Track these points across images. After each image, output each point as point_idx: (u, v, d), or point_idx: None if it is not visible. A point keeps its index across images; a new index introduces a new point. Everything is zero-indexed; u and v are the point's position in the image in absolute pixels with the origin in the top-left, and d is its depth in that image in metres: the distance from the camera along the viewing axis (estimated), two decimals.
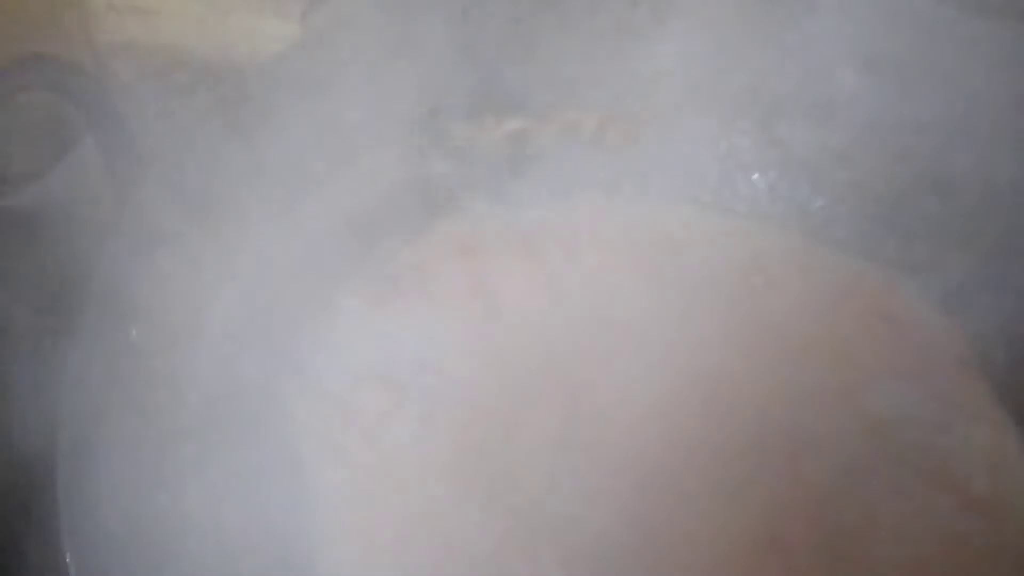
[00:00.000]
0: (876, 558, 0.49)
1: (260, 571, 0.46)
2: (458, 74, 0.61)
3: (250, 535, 0.47)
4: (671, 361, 0.56)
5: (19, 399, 0.41)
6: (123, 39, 0.87)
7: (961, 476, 0.52)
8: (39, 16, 0.79)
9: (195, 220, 0.50)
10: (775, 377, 0.56)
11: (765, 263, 0.61)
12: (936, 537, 0.50)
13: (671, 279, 0.60)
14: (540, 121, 0.64)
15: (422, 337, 0.56)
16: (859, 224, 0.62)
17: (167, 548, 0.42)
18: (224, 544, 0.46)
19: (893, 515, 0.50)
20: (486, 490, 0.51)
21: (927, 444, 0.53)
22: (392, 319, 0.57)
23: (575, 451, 0.52)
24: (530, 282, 0.60)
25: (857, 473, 0.52)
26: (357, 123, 0.59)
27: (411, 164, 0.62)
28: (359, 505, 0.50)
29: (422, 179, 0.62)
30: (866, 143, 0.62)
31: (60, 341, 0.43)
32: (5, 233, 0.49)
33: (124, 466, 0.41)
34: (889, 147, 0.61)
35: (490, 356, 0.56)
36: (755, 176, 0.64)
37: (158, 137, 0.52)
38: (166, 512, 0.43)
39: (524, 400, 0.54)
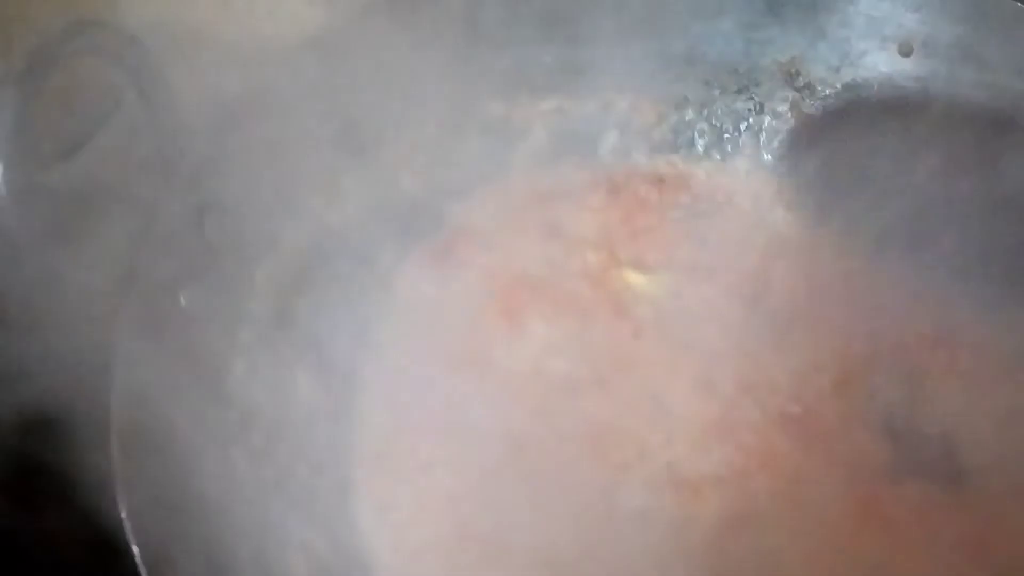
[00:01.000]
0: None
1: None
2: (494, 54, 0.62)
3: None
4: None
5: (77, 359, 0.41)
6: (149, 18, 0.87)
7: None
8: None
9: (240, 192, 0.50)
10: None
11: None
12: None
13: None
14: (574, 100, 0.64)
15: None
16: None
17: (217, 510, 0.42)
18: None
19: None
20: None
21: None
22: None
23: None
24: None
25: None
26: (391, 100, 0.59)
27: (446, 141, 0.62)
28: None
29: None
30: None
31: (114, 307, 0.43)
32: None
33: (180, 427, 0.41)
34: None
35: None
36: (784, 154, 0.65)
37: (198, 107, 0.52)
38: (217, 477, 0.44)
39: None
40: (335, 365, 0.55)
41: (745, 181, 0.64)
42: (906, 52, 0.60)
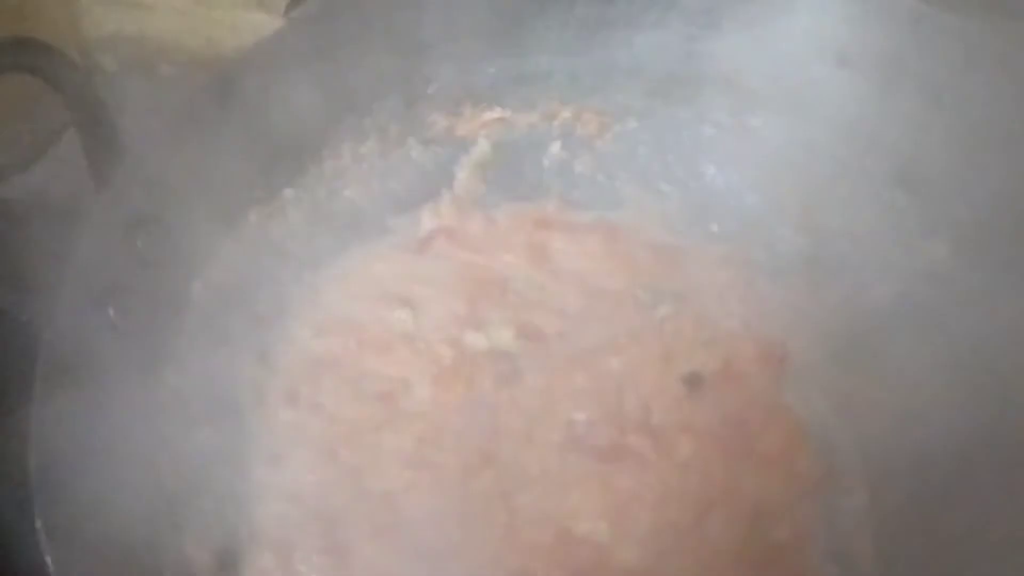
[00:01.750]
0: None
1: None
2: (437, 66, 0.62)
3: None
4: None
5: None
6: (110, 31, 0.88)
7: None
8: (25, 7, 0.80)
9: (175, 204, 0.51)
10: None
11: None
12: None
13: None
14: (517, 112, 0.65)
15: None
16: None
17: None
18: None
19: None
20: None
21: None
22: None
23: None
24: None
25: None
26: (335, 111, 0.60)
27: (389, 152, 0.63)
28: None
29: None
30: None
31: (39, 321, 0.43)
32: None
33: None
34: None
35: None
36: (727, 169, 0.66)
37: (139, 123, 0.53)
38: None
39: None
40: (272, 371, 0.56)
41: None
42: (842, 62, 0.61)
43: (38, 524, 0.38)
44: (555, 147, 0.66)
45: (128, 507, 0.43)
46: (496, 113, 0.64)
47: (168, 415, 0.49)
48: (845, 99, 0.61)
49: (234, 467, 0.51)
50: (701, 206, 0.66)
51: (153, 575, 0.43)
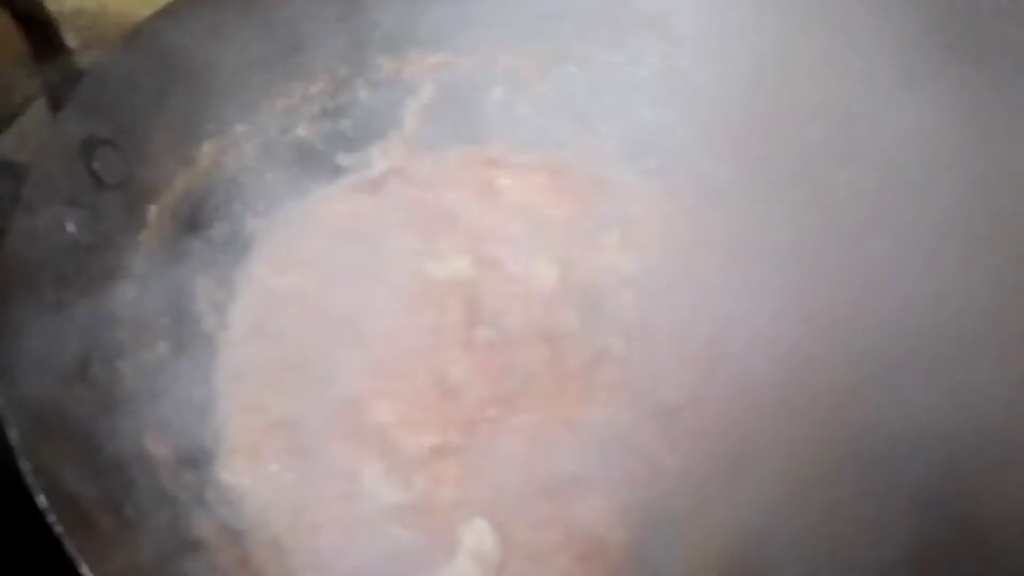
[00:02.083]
0: None
1: None
2: (383, 11, 0.65)
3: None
4: None
5: None
6: (71, 7, 0.89)
7: None
8: None
9: (128, 129, 0.53)
10: None
11: None
12: None
13: None
14: (459, 56, 0.68)
15: None
16: None
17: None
18: None
19: None
20: None
21: None
22: None
23: None
24: None
25: None
26: (284, 53, 0.62)
27: (339, 94, 0.66)
28: None
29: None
30: None
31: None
32: None
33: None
34: None
35: None
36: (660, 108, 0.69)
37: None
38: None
39: None
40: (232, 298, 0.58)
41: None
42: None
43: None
44: (498, 91, 0.69)
45: (87, 399, 0.45)
46: (440, 57, 0.67)
47: (126, 326, 0.51)
48: (767, 37, 0.65)
49: (195, 379, 0.53)
50: (638, 144, 0.69)
51: (115, 463, 0.45)
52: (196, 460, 0.50)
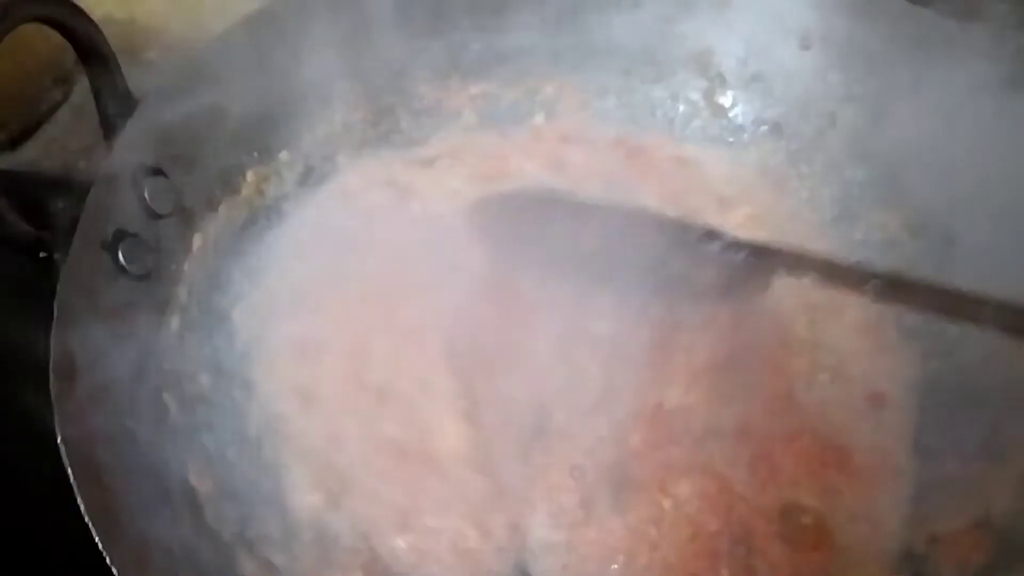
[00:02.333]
0: None
1: None
2: (426, 41, 0.66)
3: None
4: None
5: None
6: (100, 15, 0.90)
7: None
8: None
9: (179, 159, 0.54)
10: None
11: None
12: None
13: None
14: (501, 87, 0.68)
15: None
16: None
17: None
18: None
19: None
20: None
21: None
22: None
23: None
24: None
25: None
26: (328, 80, 0.62)
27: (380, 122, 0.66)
28: None
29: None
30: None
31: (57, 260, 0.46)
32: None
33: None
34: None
35: None
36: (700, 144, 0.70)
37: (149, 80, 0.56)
38: None
39: None
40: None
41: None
42: (806, 46, 0.65)
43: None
44: (538, 119, 0.69)
45: (137, 433, 0.45)
46: (482, 87, 0.68)
47: (172, 357, 0.51)
48: (807, 79, 0.66)
49: (236, 411, 0.54)
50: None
51: (163, 498, 0.45)
52: (238, 495, 0.50)
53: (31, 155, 0.80)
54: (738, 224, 0.63)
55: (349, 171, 0.64)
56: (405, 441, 0.54)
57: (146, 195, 0.52)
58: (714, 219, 0.63)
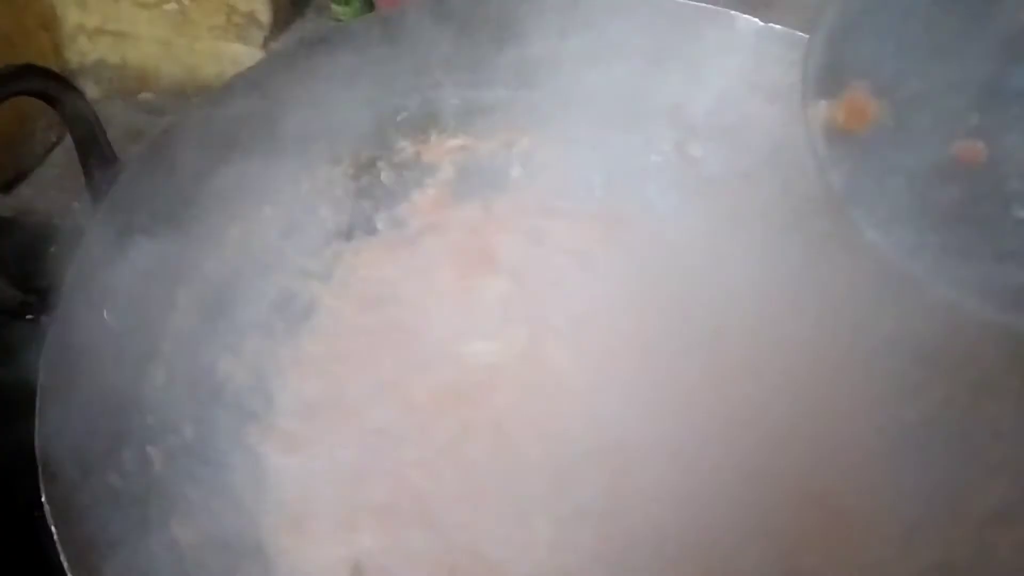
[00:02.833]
0: None
1: None
2: (406, 97, 0.68)
3: None
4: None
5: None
6: (93, 59, 0.92)
7: None
8: (13, 35, 0.84)
9: (164, 218, 0.56)
10: None
11: None
12: None
13: None
14: (479, 139, 0.70)
15: None
16: None
17: None
18: None
19: None
20: None
21: None
22: None
23: None
24: None
25: None
26: (311, 136, 0.65)
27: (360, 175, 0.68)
28: None
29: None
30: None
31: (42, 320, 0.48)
32: None
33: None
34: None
35: None
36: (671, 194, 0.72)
37: (132, 144, 0.58)
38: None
39: None
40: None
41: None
42: (773, 99, 0.68)
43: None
44: (515, 171, 0.71)
45: (119, 488, 0.47)
46: (460, 140, 0.70)
47: (156, 410, 0.53)
48: (774, 132, 0.68)
49: (219, 465, 0.55)
50: None
51: (145, 554, 0.47)
52: (219, 546, 0.51)
53: (25, 197, 0.83)
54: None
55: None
56: None
57: (131, 255, 0.54)
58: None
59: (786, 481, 0.59)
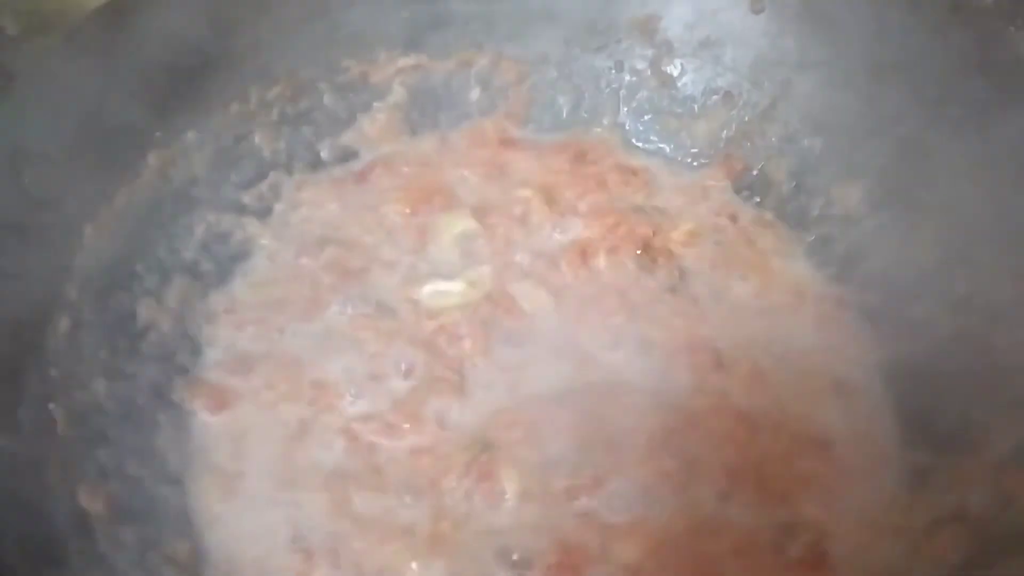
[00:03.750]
0: None
1: None
2: (348, 9, 0.60)
3: None
4: None
5: None
6: None
7: None
8: None
9: (64, 141, 0.48)
10: None
11: None
12: None
13: None
14: (433, 59, 0.63)
15: None
16: None
17: None
18: None
19: None
20: None
21: None
22: None
23: None
24: None
25: None
26: (239, 53, 0.57)
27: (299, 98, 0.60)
28: None
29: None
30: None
31: None
32: None
33: None
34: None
35: None
36: (646, 117, 0.65)
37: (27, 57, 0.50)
38: None
39: None
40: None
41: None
42: (758, 9, 0.61)
43: None
44: (474, 94, 0.64)
45: (14, 450, 0.40)
46: (411, 59, 0.63)
47: (60, 364, 0.46)
48: (759, 45, 0.62)
49: (139, 422, 0.48)
50: None
51: (45, 523, 0.40)
52: (137, 516, 0.44)
53: None
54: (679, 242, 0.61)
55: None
56: None
57: (25, 182, 0.46)
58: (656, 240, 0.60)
59: (778, 422, 0.53)
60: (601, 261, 0.60)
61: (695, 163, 0.65)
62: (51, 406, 0.44)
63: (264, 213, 0.60)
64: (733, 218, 0.63)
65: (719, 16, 0.62)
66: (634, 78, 0.65)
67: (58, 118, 0.48)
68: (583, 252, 0.60)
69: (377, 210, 0.61)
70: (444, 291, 0.58)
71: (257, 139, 0.59)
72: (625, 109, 0.65)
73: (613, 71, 0.65)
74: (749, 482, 0.51)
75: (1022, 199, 0.50)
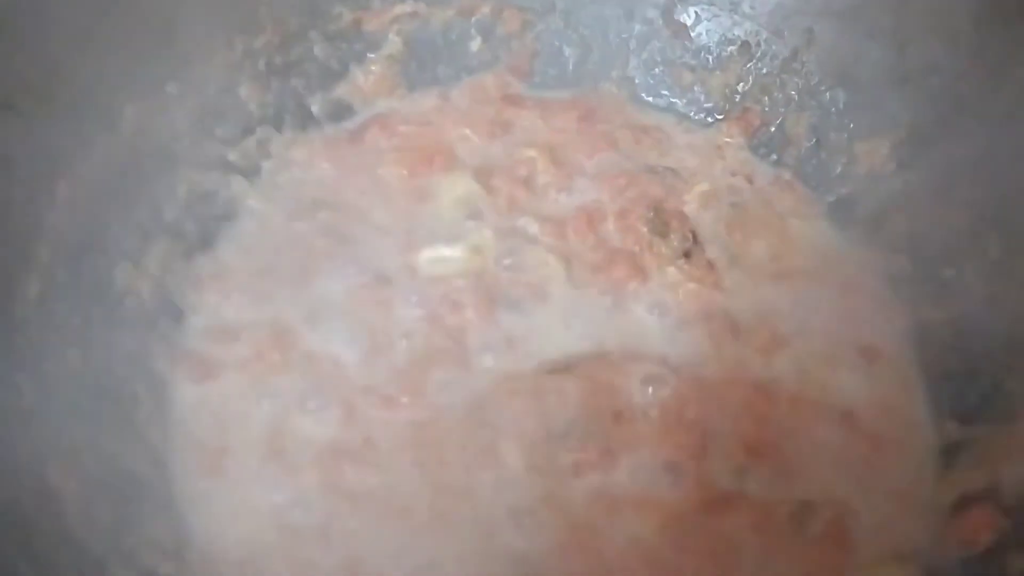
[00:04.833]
0: None
1: None
2: None
3: None
4: None
5: None
6: None
7: None
8: None
9: (34, 91, 0.44)
10: None
11: None
12: None
13: None
14: (432, 6, 0.60)
15: None
16: None
17: None
18: None
19: None
20: None
21: None
22: None
23: None
24: None
25: None
26: (221, 4, 0.53)
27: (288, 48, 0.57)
28: None
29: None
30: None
31: None
32: None
33: None
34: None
35: None
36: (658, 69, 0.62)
37: None
38: None
39: None
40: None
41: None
42: None
43: None
44: (474, 45, 0.61)
45: None
46: (408, 6, 0.59)
47: (29, 332, 0.43)
48: None
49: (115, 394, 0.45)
50: None
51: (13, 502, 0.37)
52: (113, 495, 0.41)
53: None
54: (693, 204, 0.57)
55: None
56: None
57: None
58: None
59: (797, 392, 0.50)
60: (610, 225, 0.57)
61: (709, 119, 0.62)
62: (17, 376, 0.41)
63: (252, 172, 0.56)
64: (749, 178, 0.60)
65: None
66: (645, 27, 0.62)
67: (25, 69, 0.44)
68: (591, 216, 0.57)
69: (373, 172, 0.58)
70: (445, 257, 0.55)
71: (243, 92, 0.56)
72: (635, 61, 0.62)
73: (623, 20, 0.62)
74: (767, 456, 0.49)
75: None
